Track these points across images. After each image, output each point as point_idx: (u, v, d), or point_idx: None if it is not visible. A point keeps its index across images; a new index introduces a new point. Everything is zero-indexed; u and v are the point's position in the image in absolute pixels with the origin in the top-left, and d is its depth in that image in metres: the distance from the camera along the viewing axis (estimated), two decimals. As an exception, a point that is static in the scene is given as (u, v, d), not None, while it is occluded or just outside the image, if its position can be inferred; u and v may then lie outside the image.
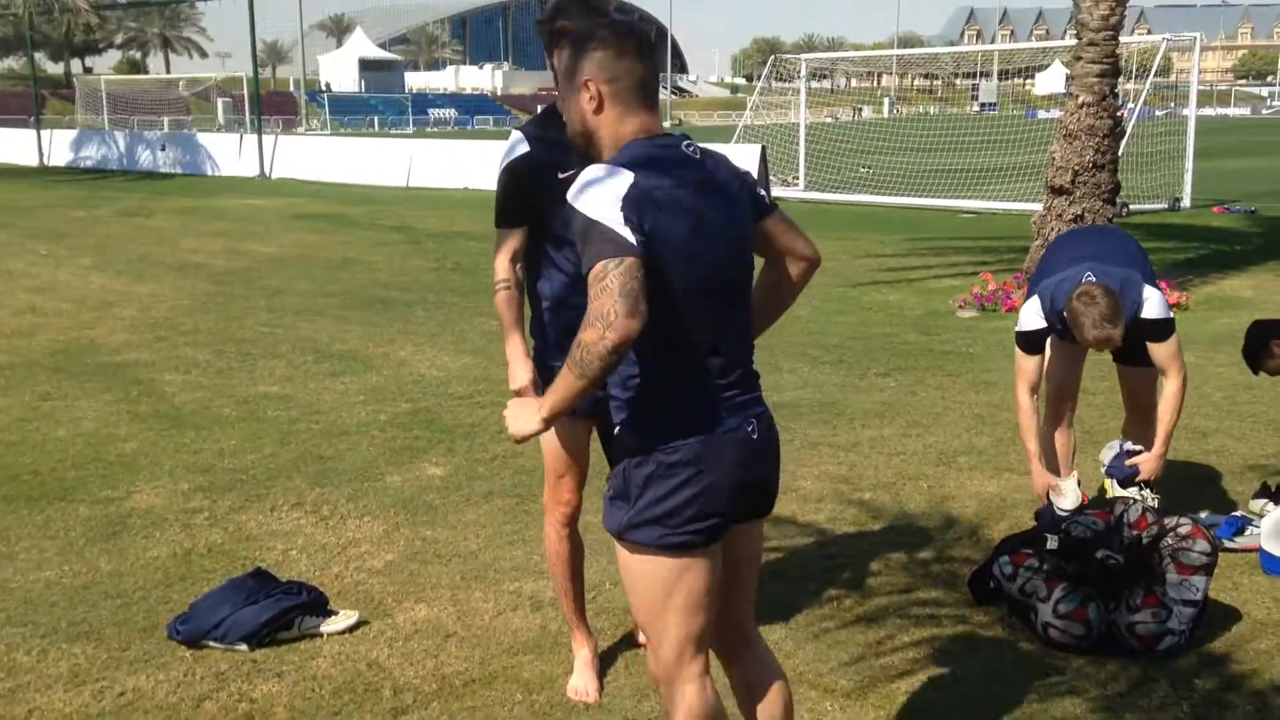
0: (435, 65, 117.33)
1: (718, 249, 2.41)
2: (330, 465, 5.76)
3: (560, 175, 3.15)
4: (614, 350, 2.23)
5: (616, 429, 2.50)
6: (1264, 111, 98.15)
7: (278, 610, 3.83)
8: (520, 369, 3.34)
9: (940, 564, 4.52)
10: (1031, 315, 4.64)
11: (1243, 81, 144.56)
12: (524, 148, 3.27)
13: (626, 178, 2.30)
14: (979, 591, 4.14)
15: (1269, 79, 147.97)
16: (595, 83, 2.41)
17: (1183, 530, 3.85)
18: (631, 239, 2.25)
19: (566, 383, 2.30)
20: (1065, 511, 4.46)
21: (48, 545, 4.69)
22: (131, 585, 4.29)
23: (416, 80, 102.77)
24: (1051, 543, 4.01)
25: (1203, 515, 4.75)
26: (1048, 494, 4.60)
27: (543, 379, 3.25)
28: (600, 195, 2.29)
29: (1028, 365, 4.67)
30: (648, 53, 2.46)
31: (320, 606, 3.96)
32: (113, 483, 5.46)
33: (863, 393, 7.17)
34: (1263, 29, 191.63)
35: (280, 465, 5.76)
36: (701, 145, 2.50)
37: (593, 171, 2.34)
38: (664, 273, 2.32)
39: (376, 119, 67.63)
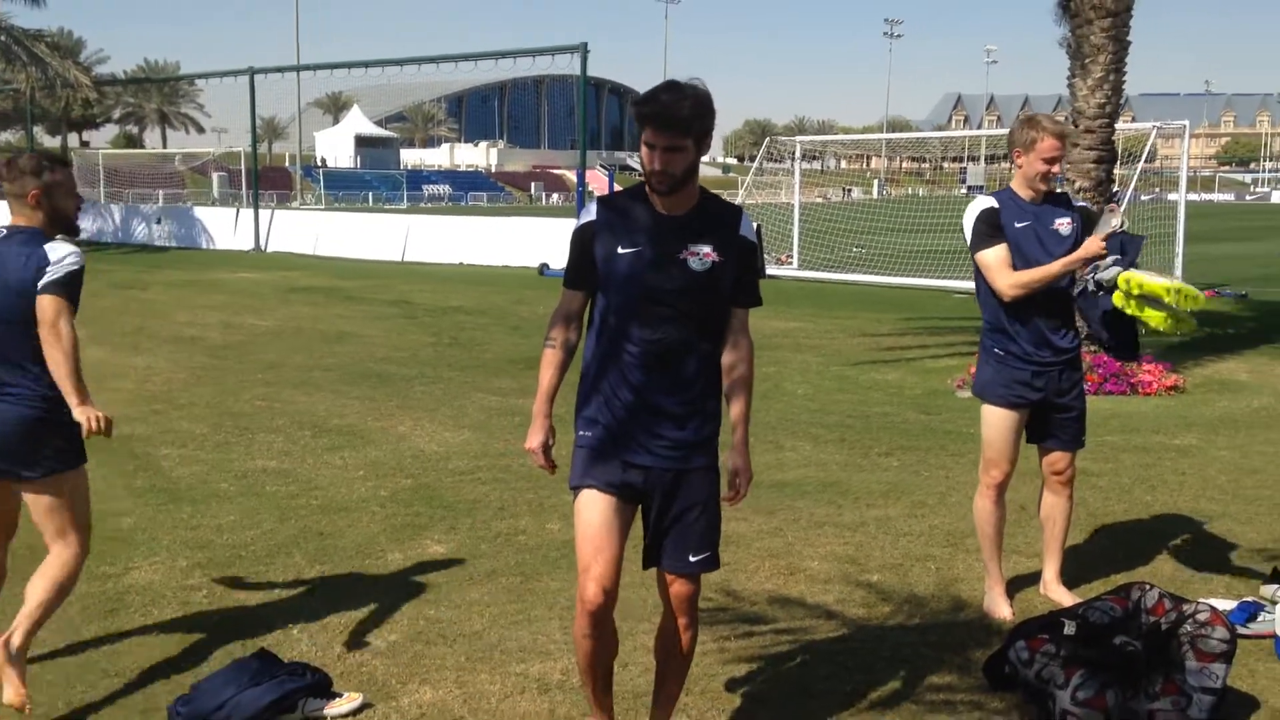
0: (431, 143, 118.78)
1: None
2: (331, 542, 5.69)
3: (619, 250, 3.17)
4: None
5: None
6: (1248, 197, 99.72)
7: (281, 693, 3.75)
8: (535, 430, 3.31)
9: (952, 648, 4.45)
10: (980, 201, 4.65)
11: (1226, 167, 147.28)
12: (590, 215, 3.25)
13: None
14: (994, 677, 4.07)
15: (1251, 165, 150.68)
16: None
17: (1201, 617, 3.81)
18: None
19: None
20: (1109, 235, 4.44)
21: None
22: (130, 664, 4.20)
23: (412, 157, 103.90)
24: (1069, 628, 3.95)
25: (1213, 601, 4.70)
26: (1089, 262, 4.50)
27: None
28: None
29: (999, 253, 4.53)
30: (13, 177, 3.83)
31: (324, 688, 3.88)
32: (110, 559, 5.38)
33: (866, 472, 7.14)
34: (1245, 117, 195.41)
35: (280, 542, 5.69)
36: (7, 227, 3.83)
37: None
38: None
39: (371, 194, 68.21)
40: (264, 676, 3.78)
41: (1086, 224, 4.68)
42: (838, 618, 4.75)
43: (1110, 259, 4.51)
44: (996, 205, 4.61)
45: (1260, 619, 4.58)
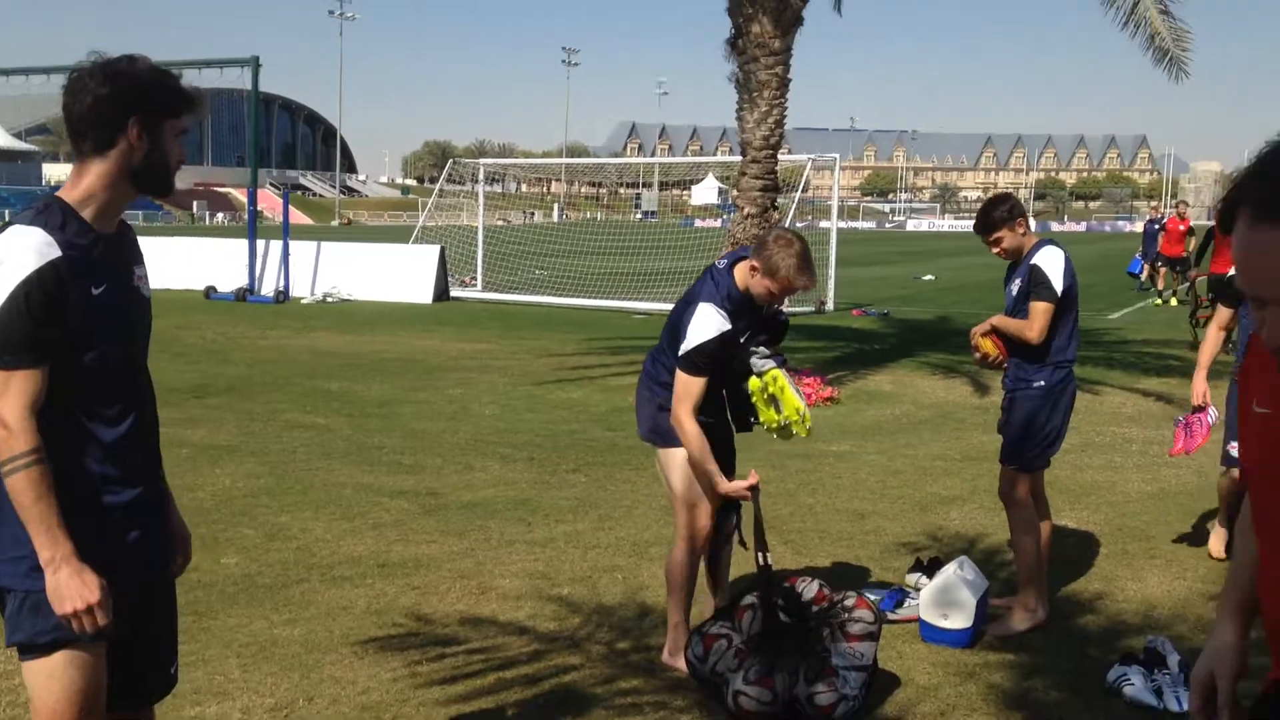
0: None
1: None
2: None
3: (94, 290, 2.35)
4: None
5: None
6: (887, 225, 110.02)
7: None
8: (90, 579, 2.32)
9: (638, 653, 4.65)
10: (712, 321, 4.28)
11: (869, 198, 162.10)
12: (54, 251, 2.29)
13: None
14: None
15: (890, 196, 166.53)
16: None
17: (849, 603, 4.20)
18: None
19: None
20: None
21: None
22: None
23: (56, 172, 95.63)
24: (747, 620, 4.24)
25: (867, 590, 5.17)
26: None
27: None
28: None
29: (697, 387, 4.29)
30: None
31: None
32: None
33: (555, 489, 7.30)
34: (884, 151, 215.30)
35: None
36: None
37: None
38: None
39: (8, 213, 62.14)
40: None
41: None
42: (530, 632, 4.84)
43: (767, 352, 4.47)
44: (731, 329, 4.37)
45: (906, 605, 5.09)
